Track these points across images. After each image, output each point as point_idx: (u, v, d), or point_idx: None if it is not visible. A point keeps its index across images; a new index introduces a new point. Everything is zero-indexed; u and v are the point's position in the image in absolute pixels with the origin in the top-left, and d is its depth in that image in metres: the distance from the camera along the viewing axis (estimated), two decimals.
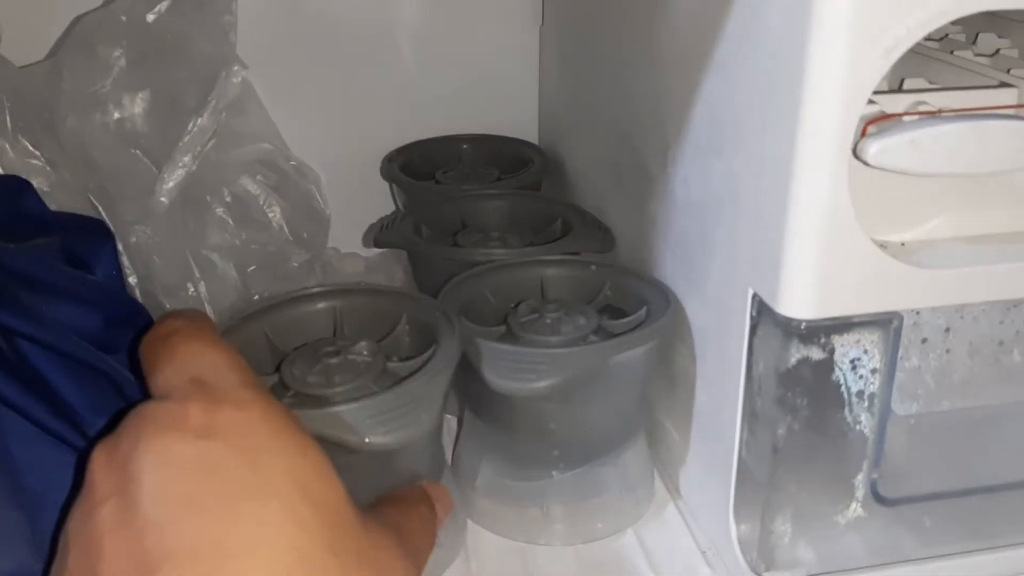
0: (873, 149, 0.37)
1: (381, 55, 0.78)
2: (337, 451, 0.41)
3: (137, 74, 0.59)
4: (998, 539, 0.47)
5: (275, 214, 0.68)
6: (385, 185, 0.78)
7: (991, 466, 0.46)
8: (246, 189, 0.66)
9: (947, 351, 0.43)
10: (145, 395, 0.47)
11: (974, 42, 0.51)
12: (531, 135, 0.83)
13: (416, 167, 0.76)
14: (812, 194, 0.38)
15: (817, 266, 0.39)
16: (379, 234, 0.64)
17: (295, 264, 0.68)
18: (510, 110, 0.82)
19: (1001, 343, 0.43)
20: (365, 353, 0.46)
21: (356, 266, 0.78)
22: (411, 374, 0.44)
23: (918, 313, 0.42)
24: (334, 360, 0.46)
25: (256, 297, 0.63)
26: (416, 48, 0.79)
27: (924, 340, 0.43)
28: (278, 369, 0.47)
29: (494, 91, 0.81)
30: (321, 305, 0.51)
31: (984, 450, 0.46)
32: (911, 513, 0.46)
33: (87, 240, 0.52)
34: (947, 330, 0.42)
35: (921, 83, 0.45)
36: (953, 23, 0.38)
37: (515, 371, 0.45)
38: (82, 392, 0.45)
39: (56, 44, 0.67)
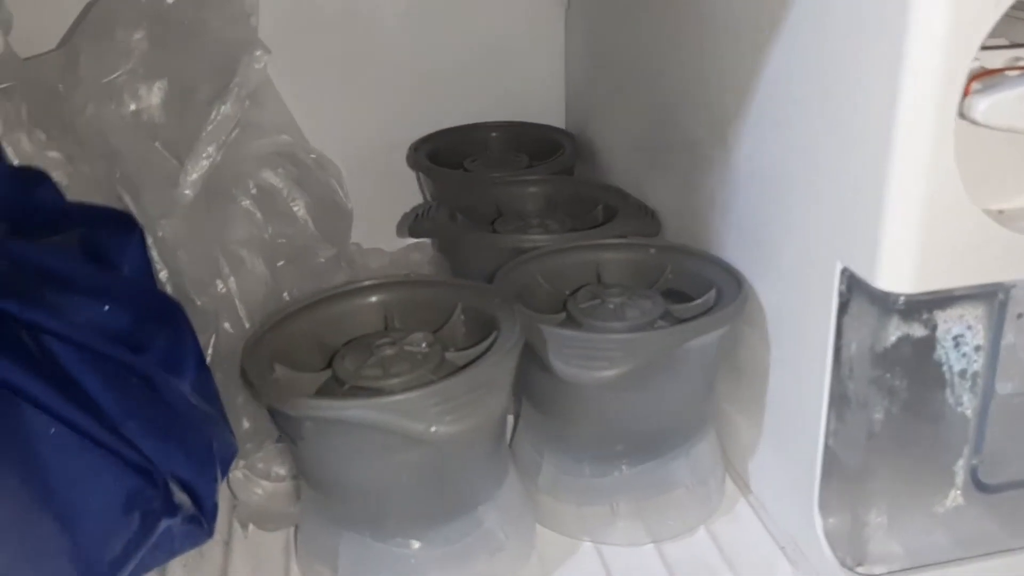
0: (982, 106, 0.35)
1: (401, 43, 0.75)
2: (399, 444, 0.39)
3: (157, 59, 0.56)
4: None
5: (299, 208, 0.64)
6: (405, 179, 0.75)
7: None
8: (269, 182, 0.63)
9: None
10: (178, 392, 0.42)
11: None
12: (557, 120, 0.80)
13: (442, 156, 0.73)
14: (915, 158, 0.35)
15: (920, 235, 0.36)
16: (414, 223, 0.61)
17: (322, 259, 0.65)
18: (536, 96, 0.79)
19: None
20: (423, 344, 0.43)
21: (380, 261, 0.75)
22: (470, 363, 0.41)
23: (1013, 287, 0.39)
24: (389, 351, 0.43)
25: (285, 294, 0.60)
26: (437, 35, 0.76)
27: (1020, 315, 0.40)
28: (330, 364, 0.44)
29: (519, 78, 0.78)
30: (371, 299, 0.48)
31: None
32: (1011, 500, 0.43)
33: (111, 233, 0.49)
34: None
35: (1003, 43, 0.42)
36: None
37: (585, 359, 0.42)
38: (111, 390, 0.41)
39: (68, 32, 0.64)
